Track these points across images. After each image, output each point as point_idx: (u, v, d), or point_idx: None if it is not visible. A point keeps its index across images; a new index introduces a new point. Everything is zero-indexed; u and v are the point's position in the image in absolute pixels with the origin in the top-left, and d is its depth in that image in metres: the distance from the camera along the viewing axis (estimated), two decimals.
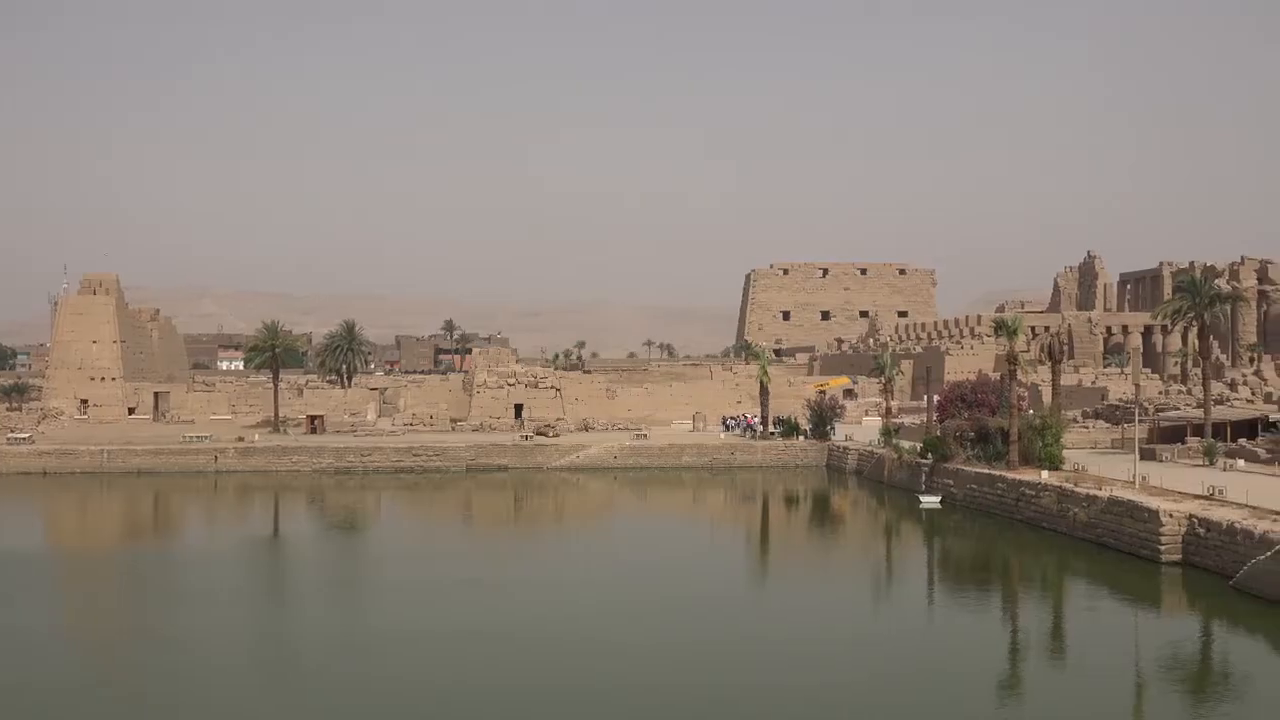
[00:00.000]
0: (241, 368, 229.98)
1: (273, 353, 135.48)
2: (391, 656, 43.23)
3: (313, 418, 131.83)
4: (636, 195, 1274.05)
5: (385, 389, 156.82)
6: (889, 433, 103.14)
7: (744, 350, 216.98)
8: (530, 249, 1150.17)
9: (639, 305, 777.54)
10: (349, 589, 59.68)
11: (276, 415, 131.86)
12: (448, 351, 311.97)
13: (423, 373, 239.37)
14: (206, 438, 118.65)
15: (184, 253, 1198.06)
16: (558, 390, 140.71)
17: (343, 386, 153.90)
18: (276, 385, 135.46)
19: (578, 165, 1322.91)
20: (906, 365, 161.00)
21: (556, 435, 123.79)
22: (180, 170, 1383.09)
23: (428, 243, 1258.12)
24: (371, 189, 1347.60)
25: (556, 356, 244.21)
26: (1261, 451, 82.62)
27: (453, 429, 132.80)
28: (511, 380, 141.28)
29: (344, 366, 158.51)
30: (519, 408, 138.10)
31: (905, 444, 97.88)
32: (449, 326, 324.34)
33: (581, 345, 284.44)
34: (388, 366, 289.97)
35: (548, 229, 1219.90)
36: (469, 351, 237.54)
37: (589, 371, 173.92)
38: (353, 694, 38.49)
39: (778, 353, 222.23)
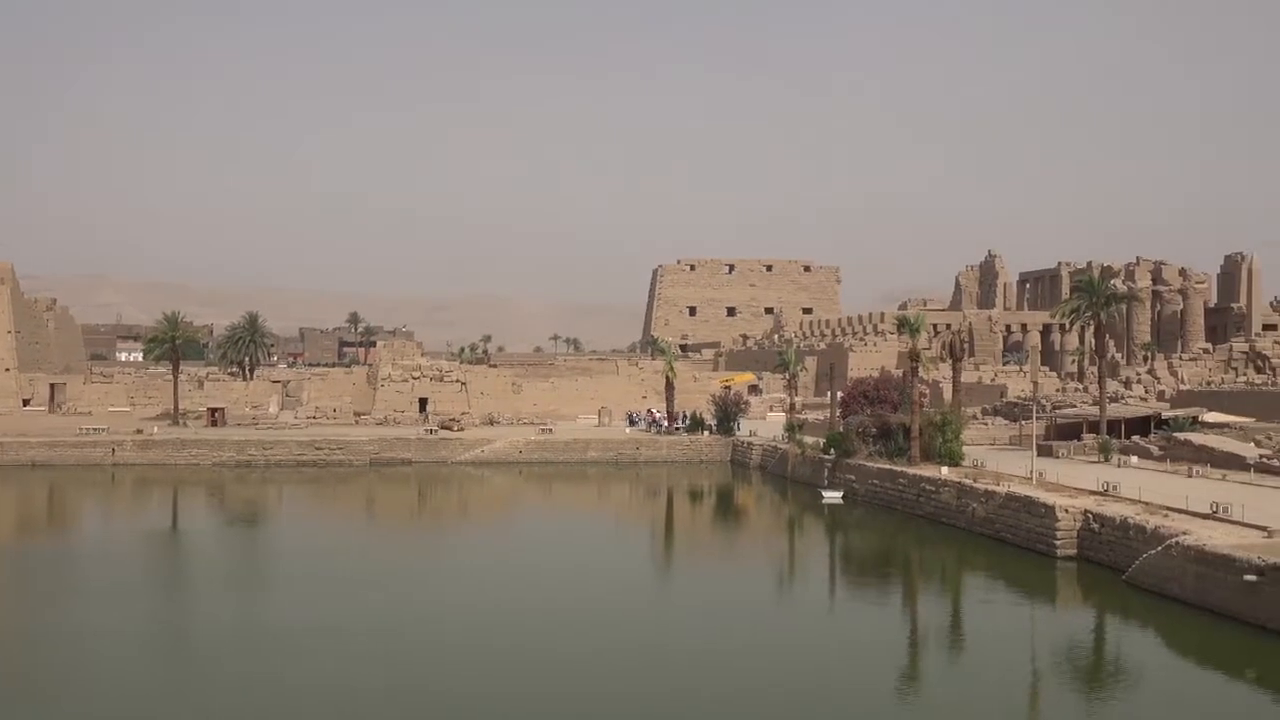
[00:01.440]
0: (141, 359, 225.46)
1: (173, 344, 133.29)
2: (281, 653, 42.83)
3: (213, 410, 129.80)
4: (542, 191, 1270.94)
5: (288, 382, 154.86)
6: (793, 428, 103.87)
7: (650, 346, 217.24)
8: (437, 243, 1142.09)
9: (546, 300, 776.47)
10: (243, 584, 58.86)
11: (176, 408, 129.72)
12: (352, 344, 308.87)
13: (327, 365, 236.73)
14: (104, 430, 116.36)
15: (82, 241, 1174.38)
16: (463, 384, 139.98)
17: (244, 379, 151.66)
18: (176, 377, 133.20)
19: (485, 161, 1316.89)
20: (811, 362, 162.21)
21: (461, 429, 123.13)
22: (79, 155, 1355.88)
23: (333, 236, 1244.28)
24: (277, 180, 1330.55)
25: (462, 350, 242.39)
26: (1154, 448, 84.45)
27: (356, 422, 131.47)
28: (417, 374, 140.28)
29: (246, 359, 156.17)
30: (424, 401, 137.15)
31: (809, 440, 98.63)
32: (354, 319, 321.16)
33: (488, 339, 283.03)
34: (291, 359, 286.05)
35: (453, 224, 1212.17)
36: (374, 344, 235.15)
37: (495, 366, 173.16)
38: (240, 691, 38.01)
39: (684, 348, 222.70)
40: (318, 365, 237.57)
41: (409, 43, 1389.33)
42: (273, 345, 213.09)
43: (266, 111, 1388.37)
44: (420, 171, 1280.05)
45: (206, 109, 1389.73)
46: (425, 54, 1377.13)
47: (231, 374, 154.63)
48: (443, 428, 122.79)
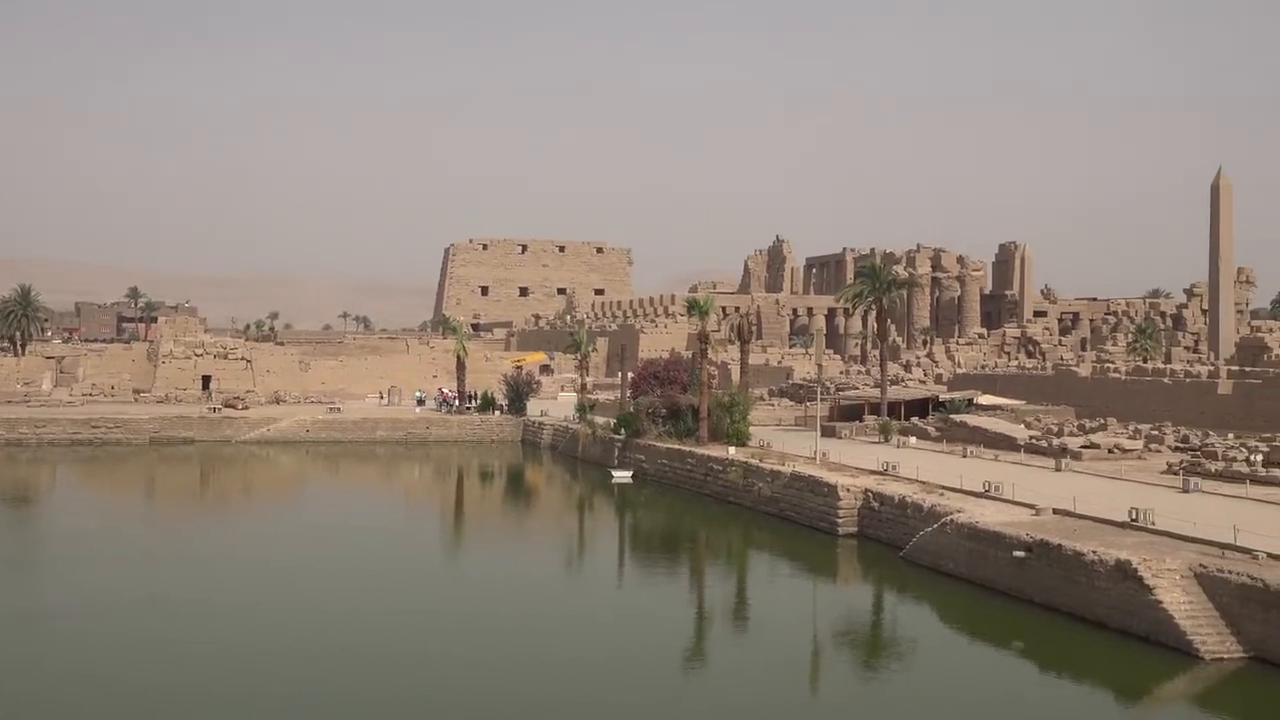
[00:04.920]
0: None
1: None
2: (37, 636, 41.14)
3: None
4: (333, 167, 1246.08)
5: (63, 358, 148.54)
6: (584, 409, 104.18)
7: (442, 325, 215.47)
8: (223, 217, 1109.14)
9: (335, 277, 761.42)
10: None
11: None
12: (132, 320, 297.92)
13: (105, 341, 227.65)
14: None
15: None
16: (248, 362, 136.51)
17: (16, 354, 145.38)
18: None
19: (274, 135, 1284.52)
20: (602, 343, 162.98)
21: (246, 408, 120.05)
22: None
23: (112, 208, 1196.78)
24: (54, 147, 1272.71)
25: (248, 327, 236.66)
26: (932, 429, 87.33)
27: (136, 400, 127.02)
28: (199, 350, 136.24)
29: (17, 333, 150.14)
30: (207, 379, 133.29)
31: (599, 420, 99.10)
32: (134, 294, 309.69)
33: (274, 316, 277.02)
34: (66, 334, 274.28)
35: (239, 197, 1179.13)
36: (155, 320, 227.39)
37: (282, 343, 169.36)
38: None
39: (475, 328, 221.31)
40: (95, 341, 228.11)
41: (190, 13, 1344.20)
42: (46, 320, 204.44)
43: (41, 71, 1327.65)
44: (204, 143, 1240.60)
45: None
46: (201, 27, 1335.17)
47: (2, 349, 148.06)
48: (227, 406, 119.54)
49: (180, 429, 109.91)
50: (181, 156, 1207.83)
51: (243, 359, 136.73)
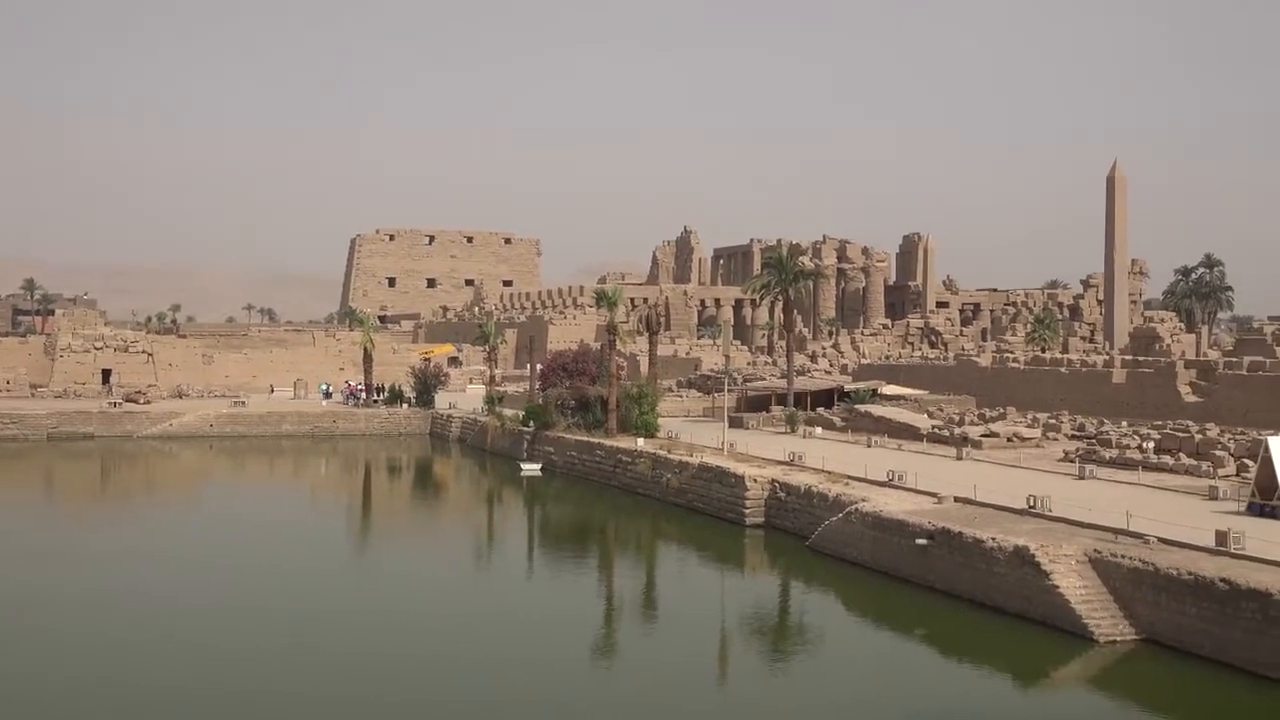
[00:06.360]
0: None
1: None
2: None
3: None
4: (236, 156, 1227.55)
5: None
6: (492, 401, 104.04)
7: (348, 317, 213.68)
8: (120, 208, 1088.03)
9: (239, 269, 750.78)
10: None
11: None
12: (28, 313, 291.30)
13: None
14: None
15: None
16: (150, 355, 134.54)
17: None
18: None
19: (174, 123, 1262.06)
20: (511, 334, 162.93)
21: (148, 402, 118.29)
22: None
23: (4, 197, 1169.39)
24: None
25: (149, 320, 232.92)
26: (837, 420, 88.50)
27: (33, 395, 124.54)
28: (99, 344, 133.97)
29: None
30: (107, 373, 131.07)
31: (508, 412, 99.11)
32: (29, 285, 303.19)
33: (177, 309, 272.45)
34: None
35: (140, 186, 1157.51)
36: (52, 313, 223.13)
37: (184, 336, 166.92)
38: None
39: (383, 320, 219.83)
40: None
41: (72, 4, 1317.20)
42: None
43: None
44: (102, 130, 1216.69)
45: None
46: (99, 14, 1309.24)
47: None
48: (128, 400, 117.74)
49: (80, 424, 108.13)
50: (78, 144, 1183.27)
51: (144, 352, 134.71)
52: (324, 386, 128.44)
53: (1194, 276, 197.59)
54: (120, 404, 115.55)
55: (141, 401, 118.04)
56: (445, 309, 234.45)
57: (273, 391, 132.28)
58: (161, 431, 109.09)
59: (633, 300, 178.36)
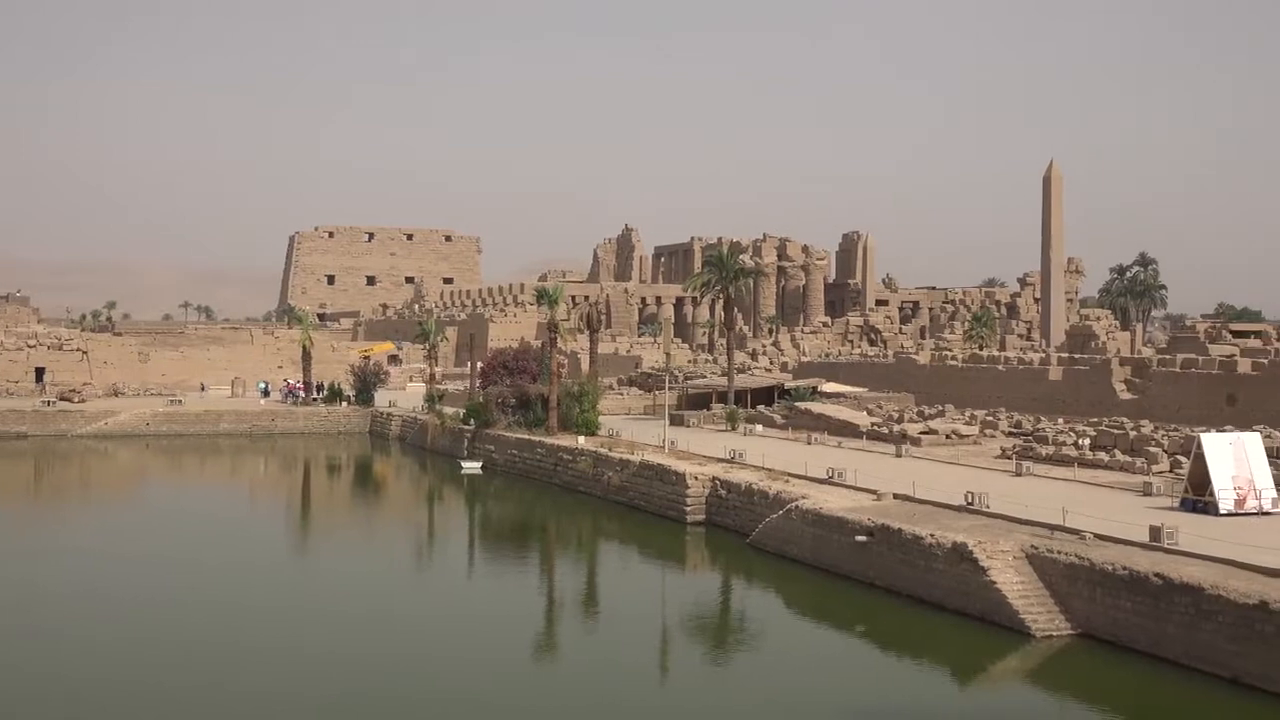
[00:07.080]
0: None
1: None
2: None
3: None
4: (172, 152, 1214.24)
5: None
6: (433, 399, 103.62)
7: (287, 314, 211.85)
8: (56, 202, 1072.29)
9: (175, 265, 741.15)
10: None
11: None
12: None
13: None
14: None
15: None
16: (85, 353, 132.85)
17: None
18: None
19: (110, 118, 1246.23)
20: (451, 332, 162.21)
21: (83, 401, 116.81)
22: None
23: None
24: None
25: (84, 317, 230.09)
26: (778, 417, 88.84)
27: None
28: (33, 342, 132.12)
29: None
30: (41, 371, 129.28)
31: (449, 410, 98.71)
32: None
33: (112, 306, 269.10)
34: None
35: (72, 182, 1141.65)
36: None
37: (120, 334, 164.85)
38: None
39: (322, 317, 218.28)
40: None
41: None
42: None
43: None
44: (35, 124, 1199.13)
45: None
46: (37, 10, 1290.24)
47: None
48: (62, 399, 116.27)
49: (12, 423, 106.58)
50: (8, 138, 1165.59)
51: (79, 350, 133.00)
52: (262, 384, 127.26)
53: (1129, 275, 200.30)
54: (54, 403, 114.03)
55: (76, 400, 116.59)
56: (385, 307, 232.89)
57: (204, 389, 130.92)
58: (96, 430, 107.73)
59: (574, 298, 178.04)
